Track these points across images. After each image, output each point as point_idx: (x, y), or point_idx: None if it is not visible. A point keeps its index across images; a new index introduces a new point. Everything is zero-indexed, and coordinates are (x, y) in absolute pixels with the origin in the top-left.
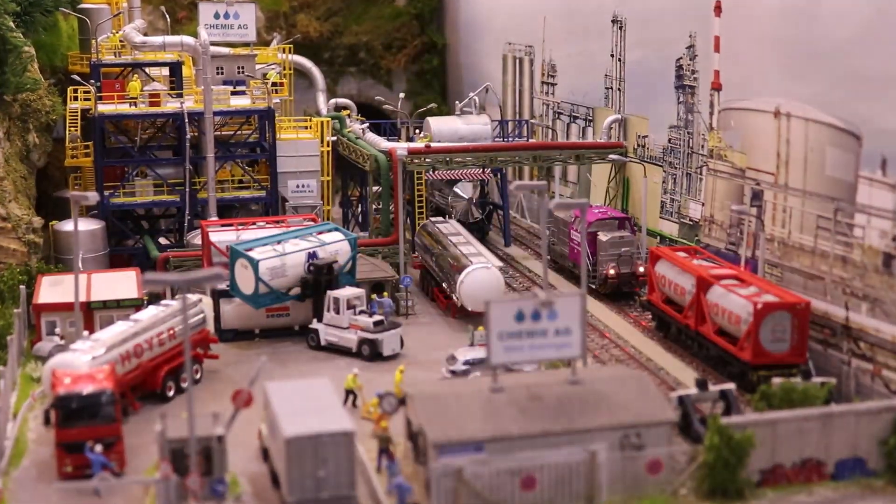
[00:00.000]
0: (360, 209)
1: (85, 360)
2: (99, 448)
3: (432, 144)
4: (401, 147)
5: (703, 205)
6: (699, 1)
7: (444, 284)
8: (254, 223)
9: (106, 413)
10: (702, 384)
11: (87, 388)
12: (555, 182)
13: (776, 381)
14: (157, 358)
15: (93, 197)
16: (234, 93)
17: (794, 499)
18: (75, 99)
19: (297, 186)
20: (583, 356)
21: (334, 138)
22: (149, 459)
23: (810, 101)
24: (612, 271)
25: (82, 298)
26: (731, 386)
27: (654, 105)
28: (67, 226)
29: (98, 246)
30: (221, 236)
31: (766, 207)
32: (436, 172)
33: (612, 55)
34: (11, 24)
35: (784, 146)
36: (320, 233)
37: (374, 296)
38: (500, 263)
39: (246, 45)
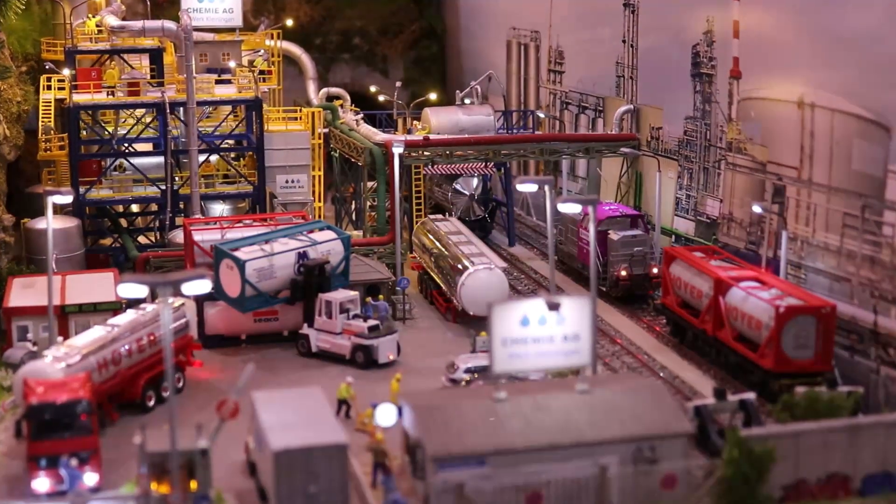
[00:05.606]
0: (353, 206)
1: (59, 368)
2: (74, 462)
3: (431, 137)
4: (397, 139)
5: (721, 201)
6: None
7: (443, 287)
8: (240, 221)
9: (81, 424)
10: (720, 394)
11: (61, 398)
12: (562, 177)
13: (800, 390)
14: (136, 365)
15: (67, 193)
16: (218, 81)
17: None
18: (49, 88)
19: (287, 182)
20: (592, 364)
21: (326, 130)
22: (127, 474)
23: (836, 91)
24: (623, 273)
25: (56, 302)
26: (751, 395)
27: (669, 95)
28: (40, 224)
29: (73, 245)
30: (205, 235)
31: (788, 204)
32: (435, 167)
33: (624, 41)
34: None
35: (808, 139)
36: (311, 231)
37: (368, 299)
38: (504, 264)
39: (231, 30)
